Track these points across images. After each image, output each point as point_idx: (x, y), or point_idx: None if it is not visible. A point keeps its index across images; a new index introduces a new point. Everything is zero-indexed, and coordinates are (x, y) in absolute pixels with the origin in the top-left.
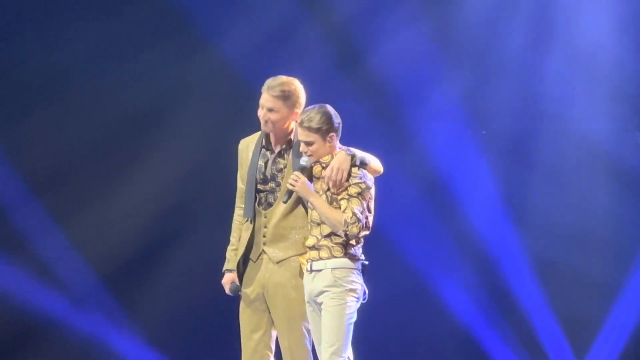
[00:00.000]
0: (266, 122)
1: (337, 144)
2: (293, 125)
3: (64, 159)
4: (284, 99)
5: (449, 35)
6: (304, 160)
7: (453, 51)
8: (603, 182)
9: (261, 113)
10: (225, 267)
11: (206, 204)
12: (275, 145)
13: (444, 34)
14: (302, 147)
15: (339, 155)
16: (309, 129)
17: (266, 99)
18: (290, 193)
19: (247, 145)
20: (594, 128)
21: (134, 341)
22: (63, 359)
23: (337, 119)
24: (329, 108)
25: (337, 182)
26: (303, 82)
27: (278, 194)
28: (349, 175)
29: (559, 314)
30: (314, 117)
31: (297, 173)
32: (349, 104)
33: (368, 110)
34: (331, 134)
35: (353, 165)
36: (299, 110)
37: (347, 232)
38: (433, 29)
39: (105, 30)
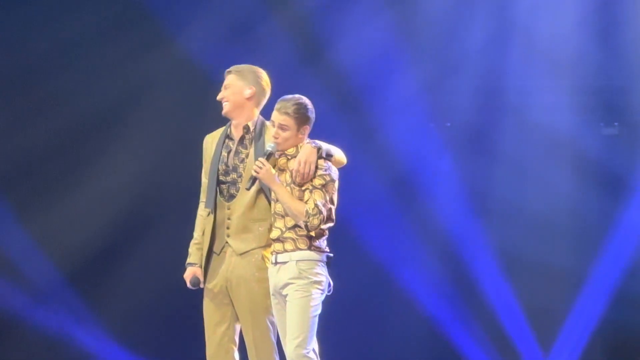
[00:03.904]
0: (222, 99)
1: (306, 138)
2: (255, 113)
3: (26, 156)
4: (237, 73)
5: (412, 29)
6: (270, 146)
7: (415, 44)
8: (567, 174)
9: (219, 95)
10: (187, 260)
11: (169, 199)
12: (237, 132)
13: (406, 28)
14: (275, 132)
15: (305, 148)
16: (287, 114)
17: (224, 79)
18: (254, 180)
19: (212, 140)
20: (557, 120)
21: (98, 336)
22: (27, 355)
23: (312, 115)
24: (308, 102)
25: (305, 175)
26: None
27: (240, 186)
28: (316, 167)
29: (524, 305)
30: (293, 105)
31: (262, 159)
32: (312, 97)
33: (331, 104)
34: (305, 126)
35: (319, 157)
36: (255, 89)
37: (308, 224)
38: (395, 23)
39: (67, 26)
